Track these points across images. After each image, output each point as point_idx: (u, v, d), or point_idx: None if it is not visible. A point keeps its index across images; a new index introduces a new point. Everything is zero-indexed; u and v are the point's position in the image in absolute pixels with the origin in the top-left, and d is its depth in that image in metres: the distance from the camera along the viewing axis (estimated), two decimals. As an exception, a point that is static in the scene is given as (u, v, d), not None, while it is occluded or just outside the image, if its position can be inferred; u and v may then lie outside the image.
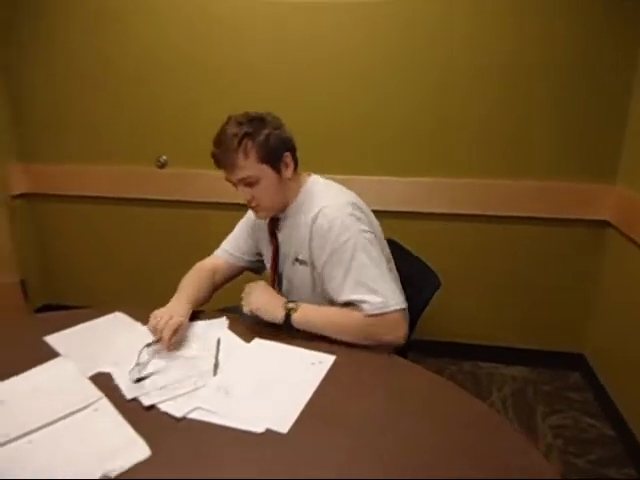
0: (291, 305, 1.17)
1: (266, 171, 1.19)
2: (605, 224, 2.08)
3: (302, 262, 1.26)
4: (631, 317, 1.88)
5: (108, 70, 2.30)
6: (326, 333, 1.14)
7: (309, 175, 1.32)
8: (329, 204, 1.20)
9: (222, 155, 1.17)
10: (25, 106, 2.44)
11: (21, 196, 2.57)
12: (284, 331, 1.16)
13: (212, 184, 2.31)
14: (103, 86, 2.33)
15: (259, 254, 1.45)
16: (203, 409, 0.91)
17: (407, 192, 2.18)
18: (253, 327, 1.20)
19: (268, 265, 1.41)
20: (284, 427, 0.86)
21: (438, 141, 2.12)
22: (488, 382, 2.22)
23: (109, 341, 1.15)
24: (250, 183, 1.19)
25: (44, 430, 0.85)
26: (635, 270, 1.87)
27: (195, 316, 1.26)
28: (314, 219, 1.19)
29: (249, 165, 1.16)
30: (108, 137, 2.40)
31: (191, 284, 1.32)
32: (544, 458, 0.81)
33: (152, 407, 0.91)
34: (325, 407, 0.92)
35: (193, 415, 0.90)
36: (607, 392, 2.03)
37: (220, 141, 1.17)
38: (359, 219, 1.19)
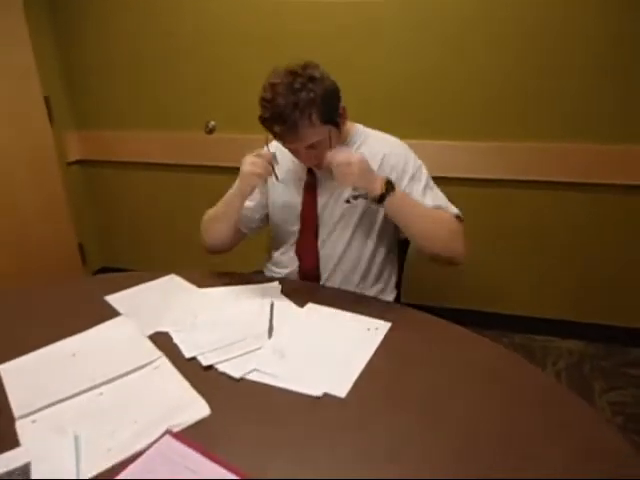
0: (391, 186, 1.13)
1: (330, 129, 1.14)
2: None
3: (362, 195, 1.18)
4: None
5: (159, 36, 2.29)
6: (415, 224, 1.17)
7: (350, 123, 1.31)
8: (393, 141, 1.29)
9: (286, 131, 1.09)
10: (78, 74, 2.48)
11: (76, 162, 2.64)
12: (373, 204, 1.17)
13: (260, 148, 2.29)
14: (154, 52, 2.32)
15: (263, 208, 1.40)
16: (260, 371, 0.91)
17: (459, 157, 2.08)
18: (306, 292, 1.19)
19: (293, 216, 1.33)
20: (342, 391, 0.85)
21: (491, 104, 2.00)
22: (542, 355, 2.15)
23: (166, 302, 1.17)
24: (316, 146, 1.14)
25: (111, 384, 0.88)
26: None
27: (248, 280, 1.26)
28: (389, 152, 1.25)
29: (316, 131, 1.11)
30: (159, 103, 2.41)
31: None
32: (621, 437, 0.76)
33: (210, 367, 0.93)
34: (382, 374, 0.91)
35: (251, 376, 0.90)
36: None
37: (279, 116, 1.07)
38: None
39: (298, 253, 1.33)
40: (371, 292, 1.34)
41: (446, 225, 1.18)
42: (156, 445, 0.74)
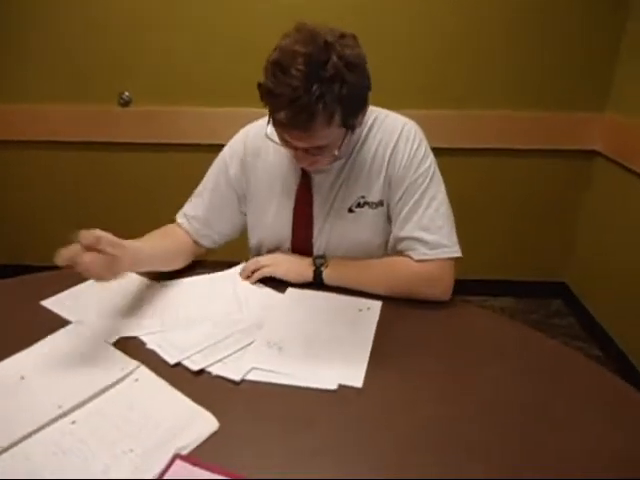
0: (320, 260, 1.05)
1: (344, 133, 0.91)
2: (594, 154, 2.09)
3: (368, 204, 1.05)
4: (617, 240, 1.94)
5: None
6: (369, 288, 1.01)
7: None
8: (409, 121, 1.04)
9: (296, 123, 0.83)
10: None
11: (-41, 143, 2.22)
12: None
13: (183, 122, 2.09)
14: (54, 15, 1.98)
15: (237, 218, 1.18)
16: (260, 369, 0.81)
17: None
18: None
19: (275, 229, 1.13)
20: (357, 381, 0.78)
21: (433, 73, 2.00)
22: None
23: (122, 301, 1.01)
24: (322, 148, 0.91)
25: (83, 408, 0.73)
26: (622, 193, 1.91)
27: (203, 269, 1.13)
28: (399, 136, 1.01)
29: (331, 133, 0.87)
30: (64, 71, 2.08)
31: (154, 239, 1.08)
32: None
33: (201, 372, 0.81)
34: (391, 356, 0.85)
35: (251, 376, 0.80)
36: (592, 316, 2.12)
37: (294, 101, 0.80)
38: None
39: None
40: None
41: (409, 277, 0.99)
42: (168, 475, 0.62)
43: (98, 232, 0.80)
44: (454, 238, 1.02)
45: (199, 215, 1.14)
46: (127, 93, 2.07)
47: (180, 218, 1.17)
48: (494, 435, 0.70)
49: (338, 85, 0.81)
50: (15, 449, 0.66)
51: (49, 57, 2.05)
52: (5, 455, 0.65)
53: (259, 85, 0.87)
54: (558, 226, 2.26)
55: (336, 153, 0.93)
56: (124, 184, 2.29)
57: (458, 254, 1.01)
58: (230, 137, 1.18)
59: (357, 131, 0.99)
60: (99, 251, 0.78)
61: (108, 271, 0.80)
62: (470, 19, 1.92)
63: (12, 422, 0.69)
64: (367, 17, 1.93)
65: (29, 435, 0.68)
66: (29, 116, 2.16)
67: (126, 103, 2.08)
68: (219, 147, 1.15)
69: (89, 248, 0.77)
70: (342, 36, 0.85)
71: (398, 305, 0.99)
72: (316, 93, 0.79)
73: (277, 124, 0.88)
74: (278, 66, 0.81)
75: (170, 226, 1.16)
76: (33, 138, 2.19)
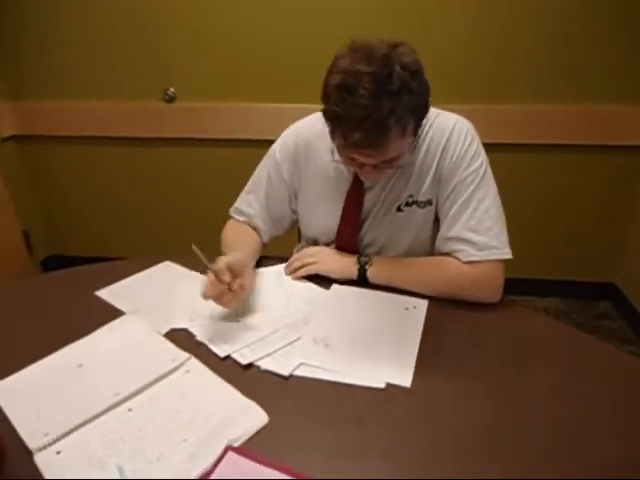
0: (364, 259, 1.04)
1: (412, 141, 0.91)
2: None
3: (416, 203, 1.03)
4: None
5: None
6: (408, 286, 1.00)
7: None
8: (460, 118, 1.01)
9: (369, 142, 0.82)
10: (10, 35, 2.14)
11: (12, 138, 2.32)
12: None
13: (228, 119, 2.12)
14: (97, 10, 2.04)
15: (290, 211, 1.19)
16: (308, 365, 0.82)
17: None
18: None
19: (328, 225, 1.12)
20: (406, 380, 0.78)
21: (486, 67, 1.95)
22: (522, 315, 2.21)
23: (172, 294, 1.03)
24: (391, 161, 0.89)
25: (139, 396, 0.75)
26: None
27: (259, 265, 1.14)
28: (450, 133, 0.98)
29: (403, 144, 0.87)
30: (108, 69, 2.14)
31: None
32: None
33: (249, 365, 0.82)
34: (438, 356, 0.84)
35: (299, 372, 0.80)
36: (643, 319, 2.03)
37: (364, 120, 0.79)
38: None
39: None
40: None
41: (456, 279, 0.97)
42: (221, 466, 0.63)
43: (225, 267, 0.88)
44: (504, 239, 0.98)
45: (256, 212, 1.15)
46: (172, 89, 2.11)
47: (238, 215, 1.18)
48: (545, 439, 0.68)
49: (407, 96, 0.80)
50: (74, 434, 0.69)
51: (96, 55, 2.11)
52: (64, 440, 0.68)
53: (324, 111, 0.87)
54: (607, 225, 2.17)
55: (401, 163, 0.92)
56: (169, 178, 2.35)
57: (508, 256, 0.98)
58: (271, 133, 1.18)
59: None
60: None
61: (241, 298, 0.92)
62: (510, 9, 1.85)
63: (71, 408, 0.73)
64: (399, 14, 1.89)
65: (88, 421, 0.71)
66: (77, 112, 2.23)
67: (171, 99, 2.13)
68: (260, 142, 1.16)
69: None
70: (395, 46, 0.83)
71: (444, 304, 0.98)
72: (387, 108, 0.79)
73: (349, 145, 0.85)
74: (344, 88, 0.80)
75: (241, 226, 1.17)
76: (81, 134, 2.27)
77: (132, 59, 2.11)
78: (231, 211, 1.20)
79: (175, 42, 2.05)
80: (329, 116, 0.86)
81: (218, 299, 0.88)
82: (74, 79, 2.18)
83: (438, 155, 1.00)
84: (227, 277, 0.87)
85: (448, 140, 0.99)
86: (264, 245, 1.18)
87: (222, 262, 0.89)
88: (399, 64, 0.80)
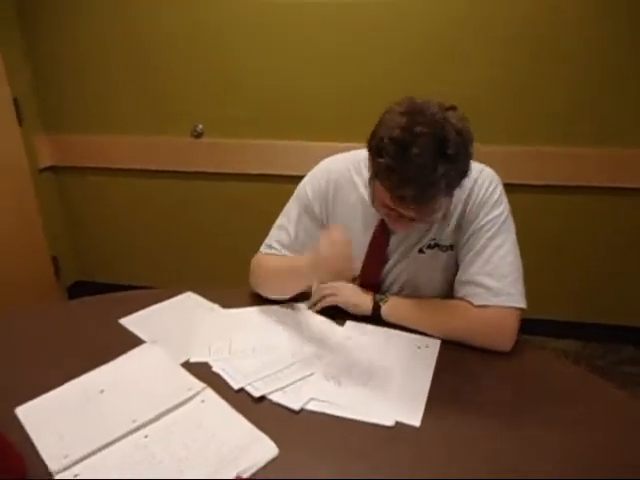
0: (380, 296, 1.07)
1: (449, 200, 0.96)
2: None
3: (438, 246, 1.06)
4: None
5: (138, 35, 2.15)
6: (420, 327, 1.02)
7: None
8: (486, 167, 1.04)
9: (416, 199, 0.85)
10: (50, 74, 2.30)
11: (49, 169, 2.45)
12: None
13: (253, 155, 2.20)
14: (133, 51, 2.18)
15: None
16: (319, 400, 0.84)
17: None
18: (341, 309, 1.12)
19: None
20: (415, 419, 0.79)
21: (516, 108, 2.00)
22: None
23: (192, 325, 1.07)
24: (425, 215, 0.93)
25: (155, 423, 0.78)
26: None
27: (277, 301, 1.17)
28: (474, 181, 1.01)
29: (445, 203, 0.93)
30: (140, 106, 2.27)
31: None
32: None
33: (262, 398, 0.84)
34: (449, 396, 0.85)
35: (310, 406, 0.83)
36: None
37: (417, 180, 0.81)
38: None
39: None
40: None
41: (467, 322, 0.98)
42: (230, 496, 0.65)
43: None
44: (520, 288, 0.98)
45: (287, 247, 1.15)
46: (200, 126, 2.22)
47: (269, 249, 1.17)
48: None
49: (461, 162, 0.84)
50: (93, 458, 0.72)
51: (131, 92, 2.24)
52: (83, 464, 0.71)
53: (377, 163, 0.87)
54: (632, 266, 2.14)
55: (433, 219, 0.96)
56: (196, 211, 2.43)
57: (522, 305, 0.97)
58: (294, 169, 1.20)
59: None
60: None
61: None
62: (537, 52, 1.91)
63: (91, 432, 0.76)
64: (422, 60, 1.97)
65: (106, 445, 0.74)
66: (111, 145, 2.35)
67: (199, 135, 2.23)
68: (284, 178, 1.19)
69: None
70: (448, 109, 0.86)
71: (457, 345, 0.99)
72: (441, 170, 0.81)
73: (395, 199, 0.87)
74: (401, 144, 0.82)
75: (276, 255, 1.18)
76: (113, 165, 2.38)
77: (164, 97, 2.23)
78: (262, 248, 1.20)
79: (204, 81, 2.16)
80: (382, 168, 0.85)
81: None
82: (109, 114, 2.31)
83: (462, 201, 1.03)
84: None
85: (472, 188, 1.02)
86: None
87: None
88: (455, 130, 0.82)
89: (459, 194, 1.02)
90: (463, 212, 1.03)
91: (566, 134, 1.99)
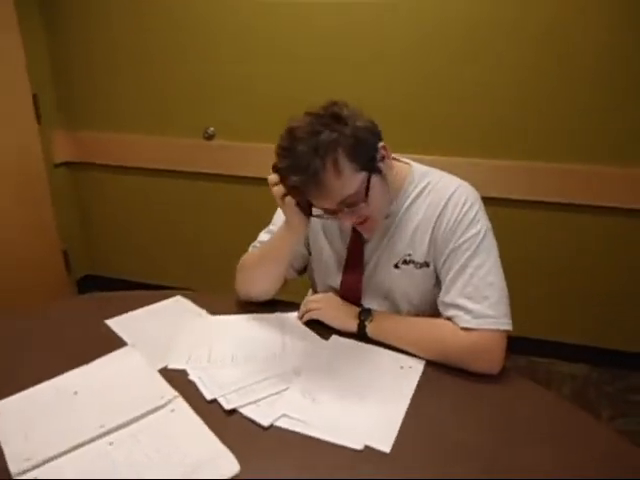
0: (366, 314, 1.04)
1: (366, 177, 0.92)
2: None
3: (413, 262, 1.04)
4: None
5: (154, 36, 2.18)
6: (405, 346, 0.99)
7: (403, 161, 1.09)
8: (464, 184, 1.03)
9: (308, 183, 0.88)
10: (69, 73, 2.35)
11: (64, 164, 2.50)
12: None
13: (264, 159, 2.18)
14: (148, 52, 2.21)
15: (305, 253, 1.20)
16: (291, 417, 0.82)
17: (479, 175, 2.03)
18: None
19: (328, 272, 1.14)
20: (386, 445, 0.76)
21: (519, 122, 1.95)
22: (546, 379, 2.10)
23: (176, 330, 1.06)
24: (353, 202, 0.92)
25: (122, 430, 0.77)
26: None
27: (264, 310, 1.15)
28: (449, 198, 0.99)
29: (346, 182, 0.89)
30: (154, 106, 2.30)
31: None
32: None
33: (233, 411, 0.83)
34: (426, 421, 0.82)
35: (280, 423, 0.81)
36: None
37: (296, 166, 0.87)
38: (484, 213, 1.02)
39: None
40: None
41: (452, 343, 0.94)
42: (182, 513, 0.64)
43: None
44: (503, 309, 0.95)
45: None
46: (212, 128, 2.23)
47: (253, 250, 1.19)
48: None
49: (327, 133, 0.87)
50: (53, 462, 0.72)
51: (145, 93, 2.28)
52: (43, 468, 0.70)
53: (274, 170, 0.96)
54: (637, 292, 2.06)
55: (365, 200, 0.92)
56: (204, 212, 2.44)
57: (506, 327, 0.94)
58: None
59: (405, 191, 1.03)
60: None
61: None
62: (548, 71, 1.86)
63: (57, 435, 0.76)
64: (435, 63, 1.94)
65: (70, 450, 0.73)
66: (125, 144, 2.39)
67: (210, 137, 2.24)
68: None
69: None
70: (328, 105, 0.93)
71: (442, 367, 0.96)
72: (310, 149, 0.86)
73: (293, 192, 0.94)
74: (281, 147, 0.91)
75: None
76: (126, 164, 2.42)
77: (178, 99, 2.25)
78: (251, 247, 1.21)
79: (218, 84, 2.17)
80: (278, 176, 0.95)
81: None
82: (124, 114, 2.34)
83: (435, 219, 1.00)
84: None
85: (445, 206, 0.99)
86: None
87: None
88: (325, 114, 0.90)
89: (430, 208, 1.01)
90: (437, 231, 1.00)
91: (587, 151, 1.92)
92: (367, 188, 0.91)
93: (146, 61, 2.23)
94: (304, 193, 0.92)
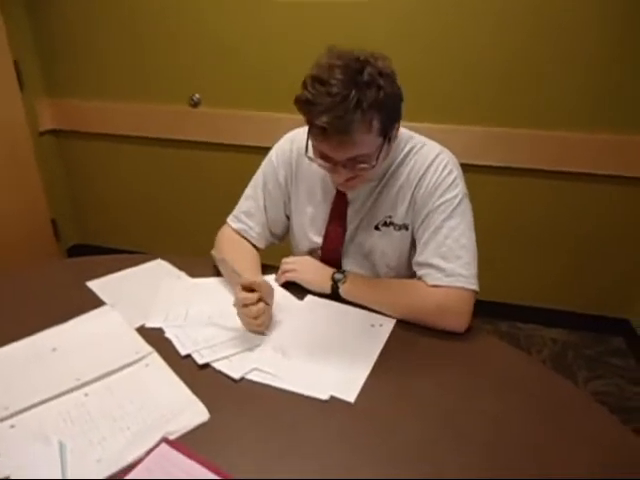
0: (339, 275, 1.06)
1: (381, 143, 0.91)
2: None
3: (393, 224, 1.06)
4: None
5: (139, 3, 2.13)
6: (376, 306, 1.02)
7: None
8: (445, 150, 1.04)
9: (336, 129, 0.84)
10: (53, 39, 2.30)
11: (49, 132, 2.48)
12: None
13: (251, 126, 2.19)
14: (134, 20, 2.16)
15: (284, 218, 1.22)
16: (261, 370, 0.85)
17: (460, 141, 2.02)
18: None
19: (309, 234, 1.16)
20: (350, 396, 0.80)
21: (499, 88, 1.94)
22: (527, 343, 2.16)
23: (155, 291, 1.09)
24: (361, 161, 0.91)
25: (97, 383, 0.81)
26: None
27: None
28: (430, 163, 1.01)
29: (369, 141, 0.88)
30: (139, 73, 2.26)
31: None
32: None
33: (206, 365, 0.86)
34: (391, 375, 0.86)
35: (250, 376, 0.84)
36: (654, 360, 1.95)
37: (333, 107, 0.82)
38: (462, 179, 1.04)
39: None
40: None
41: (421, 301, 0.98)
42: (151, 455, 0.67)
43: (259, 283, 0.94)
44: (473, 270, 0.98)
45: (253, 216, 1.18)
46: (197, 95, 2.20)
47: (235, 223, 1.20)
48: (476, 468, 0.68)
49: (374, 90, 0.84)
50: (31, 412, 0.75)
51: (130, 60, 2.23)
52: (21, 416, 0.74)
53: (296, 99, 0.89)
54: (624, 259, 2.10)
55: (374, 164, 0.92)
56: (190, 179, 2.44)
57: (473, 287, 0.97)
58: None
59: (391, 156, 1.03)
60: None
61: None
62: (542, 35, 1.83)
63: (35, 387, 0.79)
64: (428, 29, 1.91)
65: (46, 400, 0.77)
66: (110, 111, 2.36)
67: (196, 104, 2.22)
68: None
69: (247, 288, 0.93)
70: (373, 54, 0.88)
71: (412, 326, 0.99)
72: (354, 99, 0.82)
73: (317, 132, 0.87)
74: (317, 79, 0.85)
75: (240, 240, 1.19)
76: (112, 132, 2.40)
77: (163, 65, 2.21)
78: (229, 219, 1.22)
79: (202, 51, 2.14)
80: (300, 102, 0.88)
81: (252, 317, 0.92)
82: (109, 81, 2.31)
83: (415, 182, 1.02)
84: (264, 289, 0.93)
85: (427, 170, 1.01)
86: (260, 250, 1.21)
87: (255, 279, 0.95)
88: (371, 64, 0.86)
89: (412, 172, 1.02)
90: (417, 194, 1.02)
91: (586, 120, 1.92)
92: (379, 152, 0.92)
93: (129, 27, 2.19)
94: (319, 135, 0.88)
